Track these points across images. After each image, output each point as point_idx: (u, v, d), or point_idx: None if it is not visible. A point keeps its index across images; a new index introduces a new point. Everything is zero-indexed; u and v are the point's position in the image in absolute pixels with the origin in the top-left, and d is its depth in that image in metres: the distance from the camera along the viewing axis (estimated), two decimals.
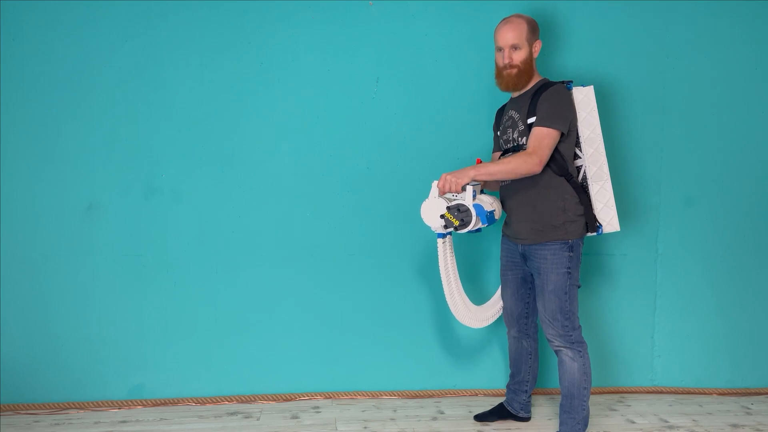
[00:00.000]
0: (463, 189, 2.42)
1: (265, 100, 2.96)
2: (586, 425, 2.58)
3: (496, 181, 2.69)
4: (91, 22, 2.86)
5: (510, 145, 2.58)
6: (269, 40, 2.95)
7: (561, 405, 2.60)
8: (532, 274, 2.65)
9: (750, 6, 3.10)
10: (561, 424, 2.60)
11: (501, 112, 2.74)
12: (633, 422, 2.80)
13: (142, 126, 2.91)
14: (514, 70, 2.52)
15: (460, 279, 2.67)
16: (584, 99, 2.61)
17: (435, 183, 2.47)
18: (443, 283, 2.59)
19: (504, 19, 2.56)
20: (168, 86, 2.91)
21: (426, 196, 2.48)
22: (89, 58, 2.87)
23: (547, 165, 2.49)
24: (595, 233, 2.59)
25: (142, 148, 2.92)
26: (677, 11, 3.07)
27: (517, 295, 2.70)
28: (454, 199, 2.45)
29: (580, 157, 2.62)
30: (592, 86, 2.63)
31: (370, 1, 2.98)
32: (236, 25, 2.92)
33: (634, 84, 3.07)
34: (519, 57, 2.51)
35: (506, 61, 2.52)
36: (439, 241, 2.54)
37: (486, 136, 3.01)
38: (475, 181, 2.46)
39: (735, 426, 2.81)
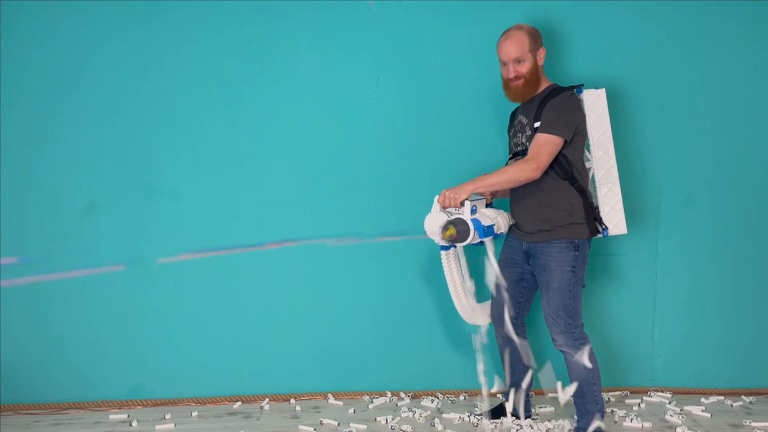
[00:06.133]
0: (462, 204, 2.45)
1: (265, 100, 2.96)
2: (602, 416, 2.60)
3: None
4: (91, 22, 2.86)
5: (519, 149, 2.61)
6: (269, 40, 2.95)
7: (575, 402, 2.63)
8: (532, 275, 2.68)
9: (750, 6, 3.10)
10: (578, 420, 2.63)
11: (513, 115, 2.76)
12: (633, 422, 2.80)
13: (142, 126, 2.91)
14: (521, 81, 2.54)
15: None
16: (595, 102, 2.62)
17: (437, 198, 2.50)
18: (451, 293, 2.65)
19: (504, 33, 2.57)
20: (168, 86, 2.92)
21: (429, 205, 2.53)
22: (89, 58, 2.87)
23: (552, 169, 2.52)
24: (600, 235, 2.63)
25: (142, 148, 2.92)
26: (678, 12, 3.06)
27: (509, 293, 2.71)
28: (455, 214, 2.48)
29: (589, 159, 2.65)
30: (603, 89, 2.64)
31: (370, 1, 2.98)
32: (236, 25, 2.92)
33: (634, 84, 3.07)
34: (524, 68, 2.54)
35: (511, 75, 2.55)
36: (443, 253, 2.60)
37: (485, 135, 3.02)
38: (479, 195, 2.49)
39: (735, 426, 2.81)
